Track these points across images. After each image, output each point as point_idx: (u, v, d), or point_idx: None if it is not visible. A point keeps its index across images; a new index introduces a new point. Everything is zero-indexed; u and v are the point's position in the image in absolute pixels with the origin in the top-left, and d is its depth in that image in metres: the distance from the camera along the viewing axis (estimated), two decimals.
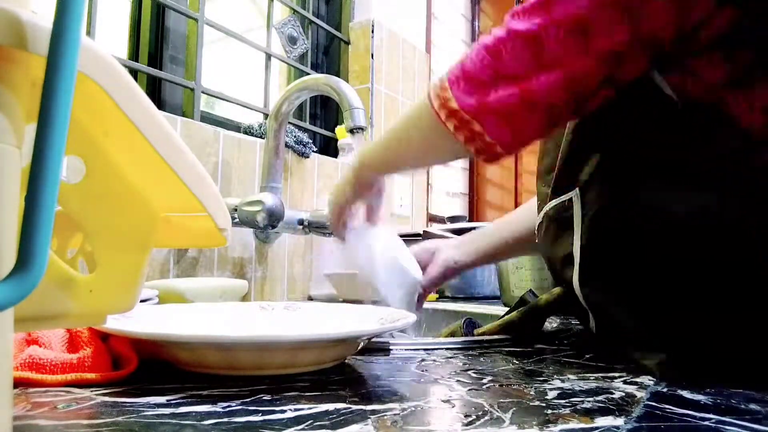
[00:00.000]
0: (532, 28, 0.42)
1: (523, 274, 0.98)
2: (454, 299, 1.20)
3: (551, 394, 0.36)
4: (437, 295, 1.24)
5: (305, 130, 1.26)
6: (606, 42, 0.40)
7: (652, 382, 0.40)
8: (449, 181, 1.79)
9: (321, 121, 1.42)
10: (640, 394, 0.37)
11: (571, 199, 0.49)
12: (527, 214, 0.73)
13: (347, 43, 1.43)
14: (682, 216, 0.41)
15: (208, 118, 1.06)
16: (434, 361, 0.49)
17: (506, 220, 0.79)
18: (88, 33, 0.85)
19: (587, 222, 0.47)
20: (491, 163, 0.49)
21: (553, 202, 0.52)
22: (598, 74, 0.41)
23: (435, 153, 0.57)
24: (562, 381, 0.40)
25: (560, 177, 0.51)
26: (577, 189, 0.48)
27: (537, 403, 0.34)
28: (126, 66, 0.88)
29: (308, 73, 1.27)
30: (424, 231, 1.23)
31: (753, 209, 0.40)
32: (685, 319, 0.42)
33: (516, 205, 1.77)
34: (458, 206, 1.84)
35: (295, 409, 0.32)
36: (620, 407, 0.33)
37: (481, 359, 0.50)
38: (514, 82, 0.43)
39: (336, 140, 1.33)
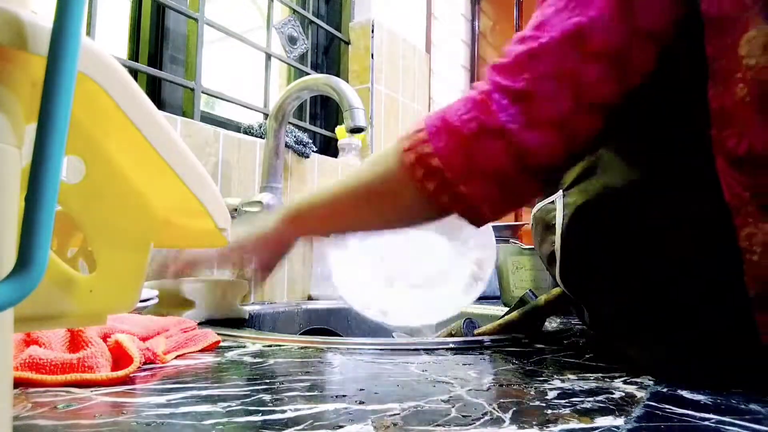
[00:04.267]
0: (518, 84, 0.41)
1: (523, 274, 0.98)
2: None
3: (551, 394, 0.36)
4: None
5: (305, 130, 1.26)
6: (596, 95, 0.40)
7: (652, 382, 0.40)
8: None
9: (321, 121, 1.42)
10: (640, 394, 0.37)
11: (554, 201, 0.51)
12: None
13: (347, 43, 1.43)
14: (657, 216, 0.43)
15: (208, 118, 1.06)
16: (434, 361, 0.49)
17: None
18: (88, 33, 0.85)
19: (566, 221, 0.49)
20: (476, 225, 0.45)
21: (539, 205, 0.54)
22: (595, 126, 0.41)
23: (402, 214, 0.48)
24: (562, 381, 0.40)
25: None
26: (561, 191, 0.50)
27: (537, 403, 0.34)
28: (126, 66, 0.88)
29: (308, 73, 1.27)
30: None
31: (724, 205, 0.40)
32: (656, 313, 0.43)
33: None
34: None
35: (295, 409, 0.32)
36: (620, 407, 0.33)
37: (481, 359, 0.50)
38: (500, 137, 0.40)
39: (336, 140, 1.33)
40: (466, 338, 0.64)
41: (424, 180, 0.42)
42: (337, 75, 1.41)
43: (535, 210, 0.55)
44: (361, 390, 0.37)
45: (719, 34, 0.39)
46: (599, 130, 0.41)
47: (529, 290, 0.67)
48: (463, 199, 0.42)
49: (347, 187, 0.50)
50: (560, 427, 0.29)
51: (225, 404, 0.33)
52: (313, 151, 1.15)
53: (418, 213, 0.47)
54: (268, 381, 0.39)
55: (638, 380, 0.41)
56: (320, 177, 1.19)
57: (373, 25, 1.40)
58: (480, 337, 0.62)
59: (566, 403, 0.34)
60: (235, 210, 0.88)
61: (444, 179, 0.42)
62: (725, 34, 0.39)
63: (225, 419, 0.30)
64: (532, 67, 0.41)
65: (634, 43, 0.40)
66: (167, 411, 0.31)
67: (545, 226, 0.52)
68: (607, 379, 0.41)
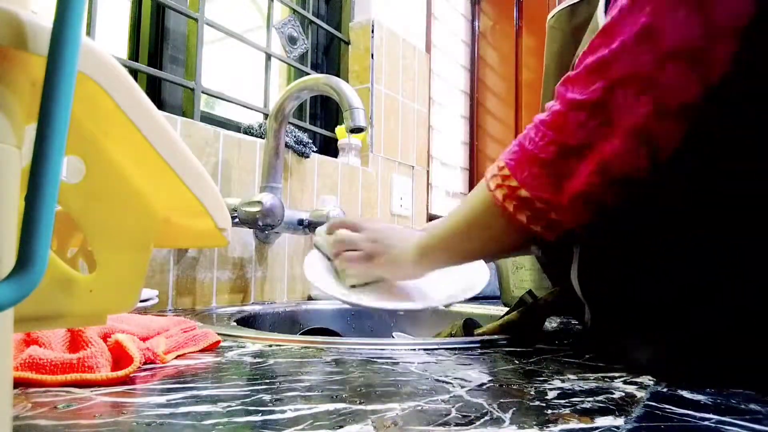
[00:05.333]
0: (593, 95, 0.39)
1: (523, 274, 0.98)
2: None
3: (551, 394, 0.36)
4: None
5: (305, 130, 1.26)
6: (678, 97, 0.37)
7: (652, 382, 0.40)
8: (449, 181, 1.79)
9: (321, 121, 1.42)
10: (640, 394, 0.37)
11: None
12: None
13: (347, 43, 1.43)
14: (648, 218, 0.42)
15: (208, 118, 1.06)
16: (434, 361, 0.49)
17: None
18: (88, 33, 0.85)
19: None
20: (571, 244, 0.46)
21: None
22: (680, 131, 0.38)
23: (504, 246, 0.52)
24: (562, 381, 0.40)
25: None
26: None
27: (537, 403, 0.34)
28: (126, 66, 0.88)
29: (308, 73, 1.27)
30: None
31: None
32: (649, 313, 0.43)
33: None
34: None
35: (295, 409, 0.32)
36: (620, 407, 0.33)
37: (481, 359, 0.50)
38: (584, 155, 0.40)
39: (336, 140, 1.33)
40: (466, 338, 0.64)
41: (516, 213, 0.43)
42: (337, 75, 1.41)
43: None
44: (361, 390, 0.37)
45: None
46: (682, 135, 0.39)
47: (529, 290, 0.67)
48: (557, 226, 0.42)
49: (456, 225, 0.54)
50: (560, 427, 0.29)
51: (225, 404, 0.33)
52: (313, 151, 1.15)
53: (516, 243, 0.49)
54: (268, 381, 0.39)
55: (638, 380, 0.41)
56: (320, 177, 1.19)
57: (373, 25, 1.40)
58: (480, 337, 0.62)
59: (566, 403, 0.34)
60: (235, 210, 0.88)
61: (535, 209, 0.42)
62: None
63: (225, 419, 0.30)
64: (604, 75, 0.39)
65: (712, 39, 0.37)
66: (167, 411, 0.31)
67: None
68: (607, 379, 0.41)
